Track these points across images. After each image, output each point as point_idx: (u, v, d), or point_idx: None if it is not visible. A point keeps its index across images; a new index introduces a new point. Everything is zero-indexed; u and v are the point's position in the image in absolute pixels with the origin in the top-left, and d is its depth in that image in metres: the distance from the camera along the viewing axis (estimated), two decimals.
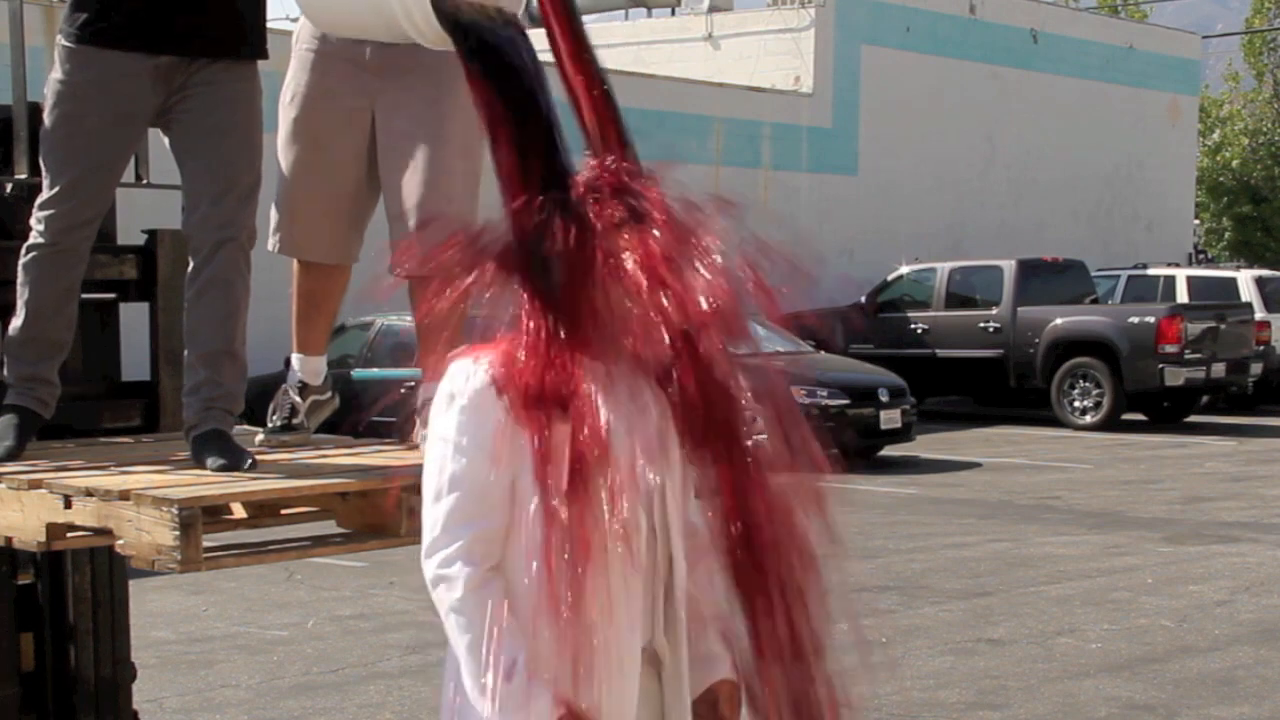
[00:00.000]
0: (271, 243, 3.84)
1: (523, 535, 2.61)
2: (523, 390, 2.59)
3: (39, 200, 3.61)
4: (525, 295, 2.62)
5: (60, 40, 3.60)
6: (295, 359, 4.04)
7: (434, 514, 2.61)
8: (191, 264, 3.63)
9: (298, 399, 4.00)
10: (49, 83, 3.61)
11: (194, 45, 3.58)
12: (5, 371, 3.69)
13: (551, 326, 2.61)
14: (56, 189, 3.57)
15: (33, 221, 3.61)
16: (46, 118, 3.61)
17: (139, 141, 3.75)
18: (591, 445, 2.58)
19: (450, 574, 2.58)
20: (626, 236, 2.57)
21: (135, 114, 3.61)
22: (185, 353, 3.66)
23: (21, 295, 3.63)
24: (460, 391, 2.60)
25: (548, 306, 2.62)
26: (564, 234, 2.58)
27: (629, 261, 2.56)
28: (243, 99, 3.65)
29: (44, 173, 3.62)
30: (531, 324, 2.62)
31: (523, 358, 2.61)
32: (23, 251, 3.62)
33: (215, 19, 3.59)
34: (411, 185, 3.69)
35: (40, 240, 3.59)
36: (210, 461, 3.38)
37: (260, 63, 3.74)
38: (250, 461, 3.40)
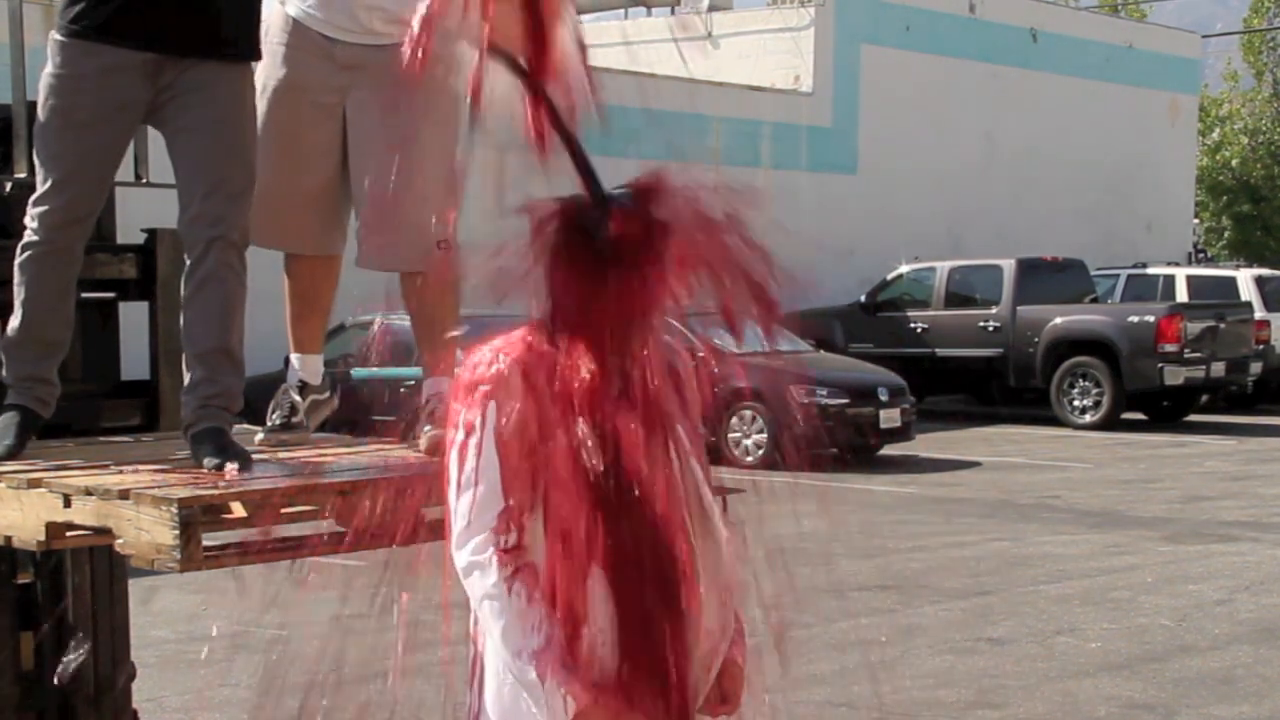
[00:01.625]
0: None
1: (554, 519, 2.64)
2: (545, 381, 2.63)
3: (33, 197, 3.61)
4: (552, 292, 2.69)
5: (53, 35, 3.60)
6: (294, 359, 4.04)
7: (463, 504, 2.64)
8: (186, 263, 3.62)
9: (297, 398, 4.00)
10: (42, 78, 3.62)
11: (184, 44, 3.57)
12: (4, 371, 3.68)
13: (574, 326, 2.66)
14: (49, 183, 3.57)
15: (27, 219, 3.60)
16: (39, 112, 3.61)
17: (130, 136, 3.74)
18: (611, 435, 2.63)
19: (482, 562, 2.61)
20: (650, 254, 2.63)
21: (125, 107, 3.60)
22: (183, 351, 3.66)
23: (18, 295, 3.62)
24: (484, 381, 2.63)
25: (572, 306, 2.67)
26: (596, 249, 2.64)
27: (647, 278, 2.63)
28: (234, 99, 3.64)
29: (37, 168, 3.61)
30: (554, 321, 2.67)
31: (545, 351, 2.65)
32: (18, 250, 3.61)
33: (207, 18, 3.59)
34: (382, 183, 3.71)
35: (34, 238, 3.59)
36: (207, 460, 3.37)
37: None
38: (247, 459, 3.40)
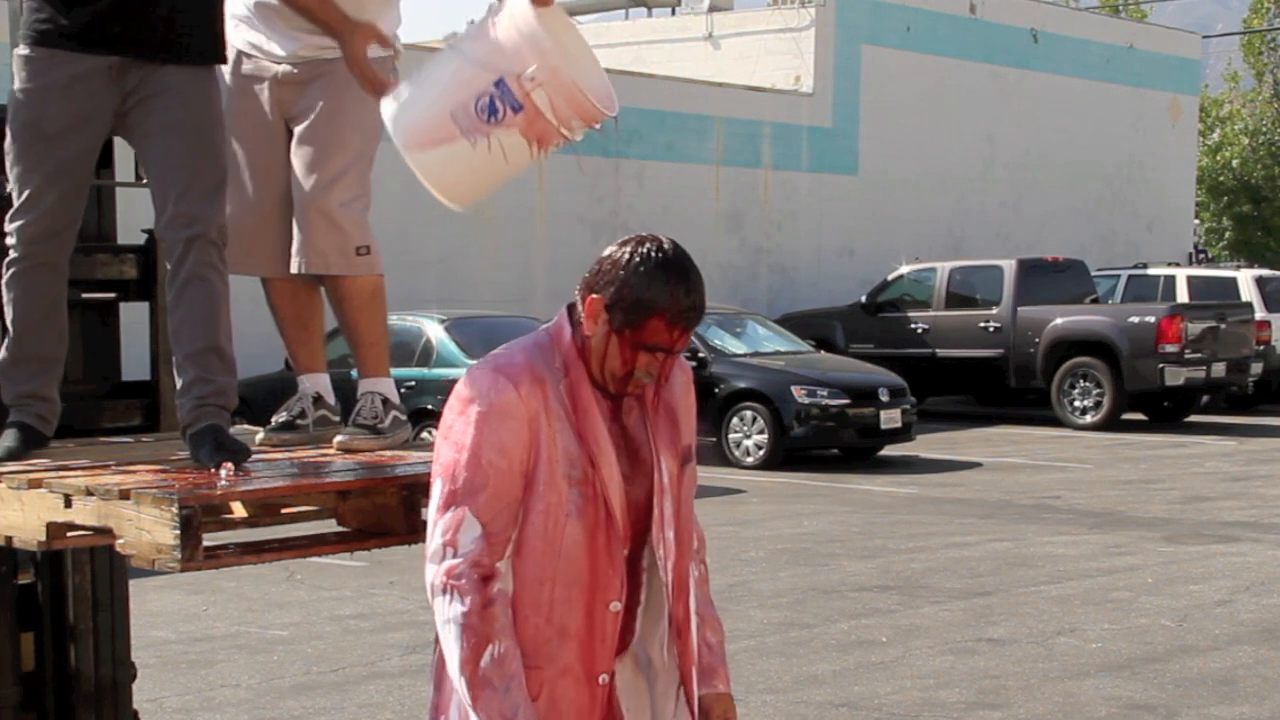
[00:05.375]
0: None
1: (530, 540, 2.65)
2: (541, 405, 2.63)
3: (9, 213, 3.58)
4: (568, 329, 2.70)
5: (17, 51, 3.58)
6: (303, 380, 4.06)
7: (445, 521, 2.63)
8: (168, 266, 3.61)
9: (310, 406, 4.02)
10: (9, 95, 3.60)
11: (148, 48, 3.56)
12: (2, 392, 3.66)
13: (576, 359, 2.70)
14: (24, 197, 3.55)
15: (7, 237, 3.59)
16: (8, 129, 3.59)
17: (99, 144, 3.71)
18: (596, 458, 2.66)
19: (453, 585, 2.61)
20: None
21: (92, 115, 3.58)
22: (173, 354, 3.64)
23: (7, 314, 3.60)
24: (481, 399, 2.63)
25: (582, 342, 2.69)
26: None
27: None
28: (200, 99, 3.62)
29: (11, 183, 3.59)
30: (558, 352, 2.70)
31: (545, 372, 2.67)
32: (3, 268, 3.60)
33: (170, 22, 3.57)
34: (323, 180, 3.79)
35: (15, 255, 3.56)
36: (206, 458, 3.37)
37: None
38: (247, 455, 3.39)
